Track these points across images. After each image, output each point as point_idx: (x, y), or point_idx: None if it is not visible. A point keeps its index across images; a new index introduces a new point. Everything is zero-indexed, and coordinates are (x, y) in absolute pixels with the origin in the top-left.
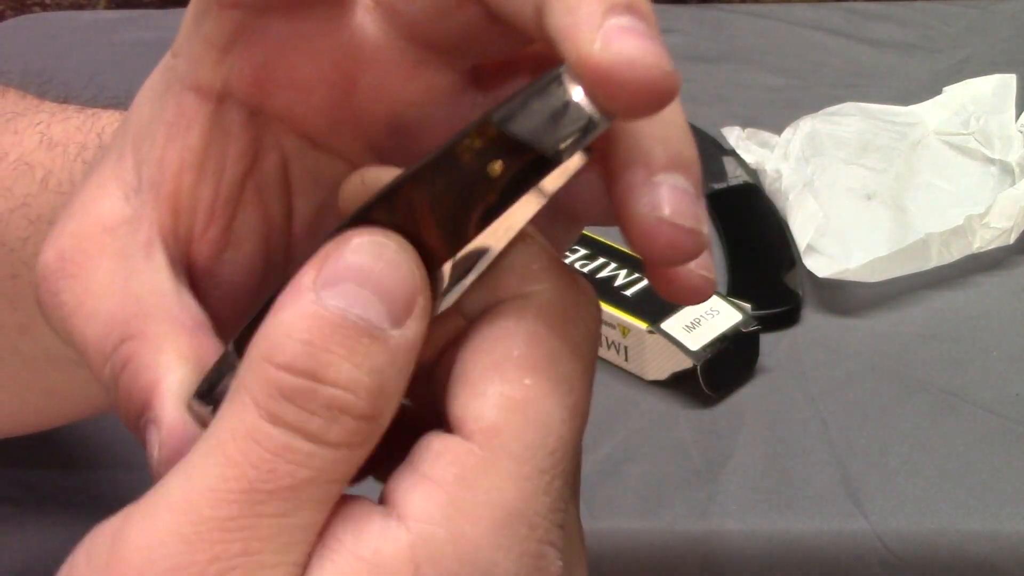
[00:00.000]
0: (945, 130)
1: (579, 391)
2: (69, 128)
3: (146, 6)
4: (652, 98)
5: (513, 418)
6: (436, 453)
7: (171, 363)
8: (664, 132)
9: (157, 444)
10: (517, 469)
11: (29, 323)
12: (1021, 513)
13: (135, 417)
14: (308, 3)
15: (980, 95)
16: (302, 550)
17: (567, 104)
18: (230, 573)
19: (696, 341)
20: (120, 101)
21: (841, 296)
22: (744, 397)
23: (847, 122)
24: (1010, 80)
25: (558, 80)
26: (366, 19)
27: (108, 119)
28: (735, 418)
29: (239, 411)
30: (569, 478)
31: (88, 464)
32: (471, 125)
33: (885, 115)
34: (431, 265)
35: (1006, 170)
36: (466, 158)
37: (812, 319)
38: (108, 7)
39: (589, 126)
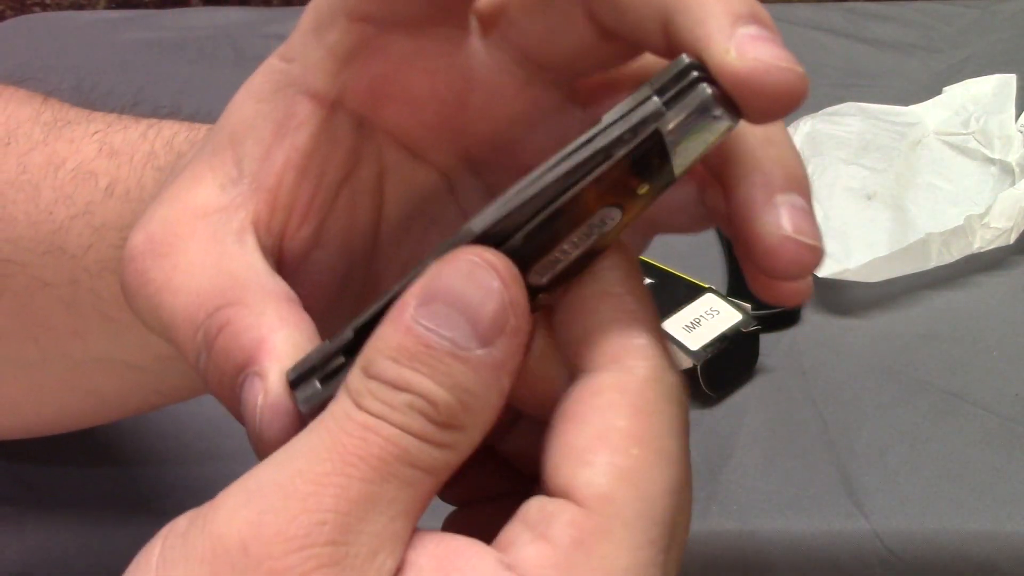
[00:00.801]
0: (945, 130)
1: (681, 466)
2: (131, 137)
3: (146, 6)
4: (788, 99)
5: (624, 486)
6: (551, 514)
7: (274, 324)
8: (779, 152)
9: (261, 393)
10: (630, 537)
11: (82, 328)
12: (1021, 513)
13: (232, 375)
14: (433, 22)
15: (980, 95)
16: (387, 526)
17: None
18: (320, 526)
19: (696, 341)
20: (127, 102)
21: (841, 296)
22: (744, 397)
23: (847, 122)
24: (1010, 80)
25: (696, 88)
26: (478, 41)
27: (171, 129)
28: (735, 418)
29: (339, 403)
30: (673, 553)
31: (89, 462)
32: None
33: (885, 115)
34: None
35: (1006, 170)
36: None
37: (812, 319)
38: (108, 7)
39: (725, 129)
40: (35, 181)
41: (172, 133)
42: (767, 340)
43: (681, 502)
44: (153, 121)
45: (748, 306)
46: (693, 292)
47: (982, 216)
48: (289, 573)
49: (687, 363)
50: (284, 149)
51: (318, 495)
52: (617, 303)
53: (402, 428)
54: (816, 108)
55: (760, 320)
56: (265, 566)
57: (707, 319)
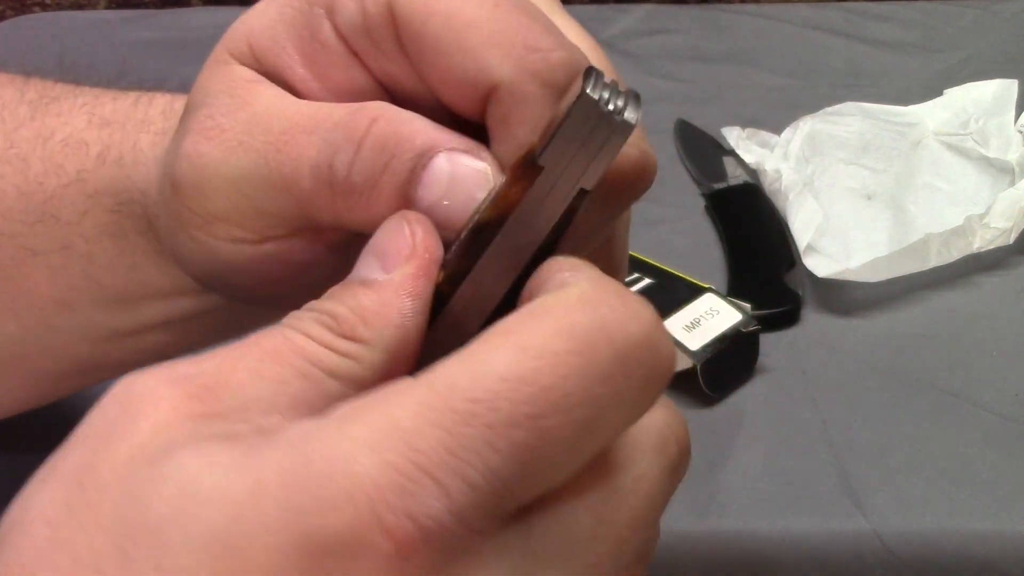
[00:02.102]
0: (944, 131)
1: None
2: (121, 107)
3: (146, 6)
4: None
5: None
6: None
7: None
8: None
9: (486, 161)
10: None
11: (68, 298)
12: (1021, 513)
13: (405, 162)
14: None
15: (981, 98)
16: (270, 398)
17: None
18: (201, 379)
19: (696, 341)
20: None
21: (841, 296)
22: (744, 397)
23: (847, 122)
24: (1011, 85)
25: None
26: None
27: (164, 99)
28: (735, 418)
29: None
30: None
31: None
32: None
33: (885, 115)
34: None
35: (1005, 170)
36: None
37: (812, 319)
38: (108, 7)
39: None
40: (23, 154)
41: (166, 102)
42: (767, 340)
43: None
44: (142, 93)
45: (748, 306)
46: (693, 292)
47: (982, 216)
48: (162, 403)
49: (687, 363)
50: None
51: (225, 369)
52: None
53: (303, 332)
54: (816, 108)
55: (760, 320)
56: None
57: (707, 319)
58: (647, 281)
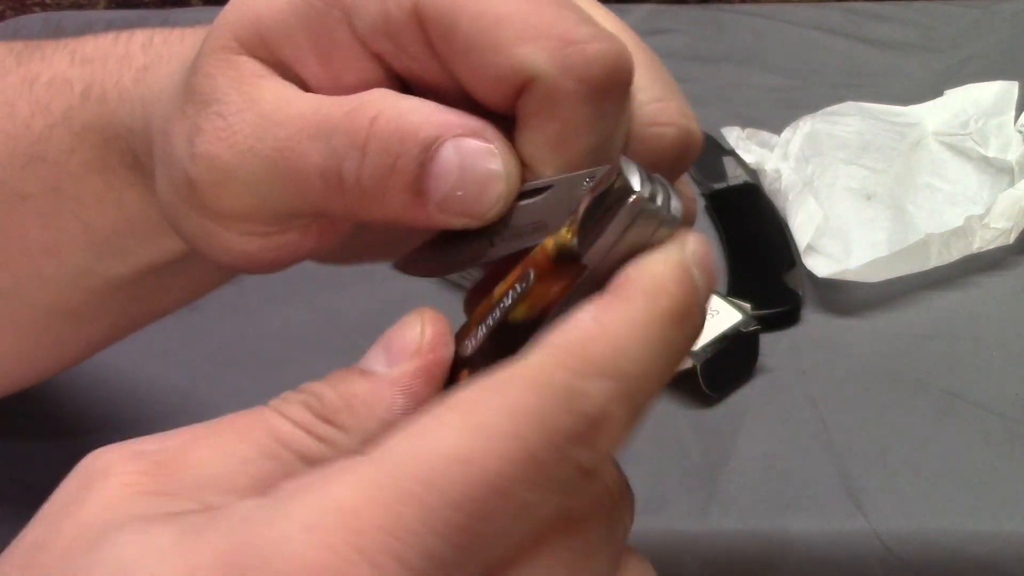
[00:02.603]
0: (944, 131)
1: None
2: (102, 44)
3: (146, 6)
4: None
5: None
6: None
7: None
8: None
9: (495, 144)
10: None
11: (58, 243)
12: (1021, 513)
13: (413, 154)
14: None
15: (981, 99)
16: (230, 477)
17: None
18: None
19: (696, 341)
20: None
21: (841, 296)
22: (744, 397)
23: (847, 122)
24: (1012, 87)
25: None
26: None
27: (144, 34)
28: (735, 418)
29: None
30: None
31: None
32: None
33: (885, 115)
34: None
35: (1005, 170)
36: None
37: (812, 319)
38: (108, 7)
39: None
40: (10, 100)
41: (146, 37)
42: (767, 340)
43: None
44: (122, 31)
45: (748, 306)
46: None
47: (982, 216)
48: (114, 480)
49: (687, 363)
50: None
51: (189, 446)
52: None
53: (282, 412)
54: (816, 108)
55: (760, 320)
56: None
57: (707, 319)
58: None
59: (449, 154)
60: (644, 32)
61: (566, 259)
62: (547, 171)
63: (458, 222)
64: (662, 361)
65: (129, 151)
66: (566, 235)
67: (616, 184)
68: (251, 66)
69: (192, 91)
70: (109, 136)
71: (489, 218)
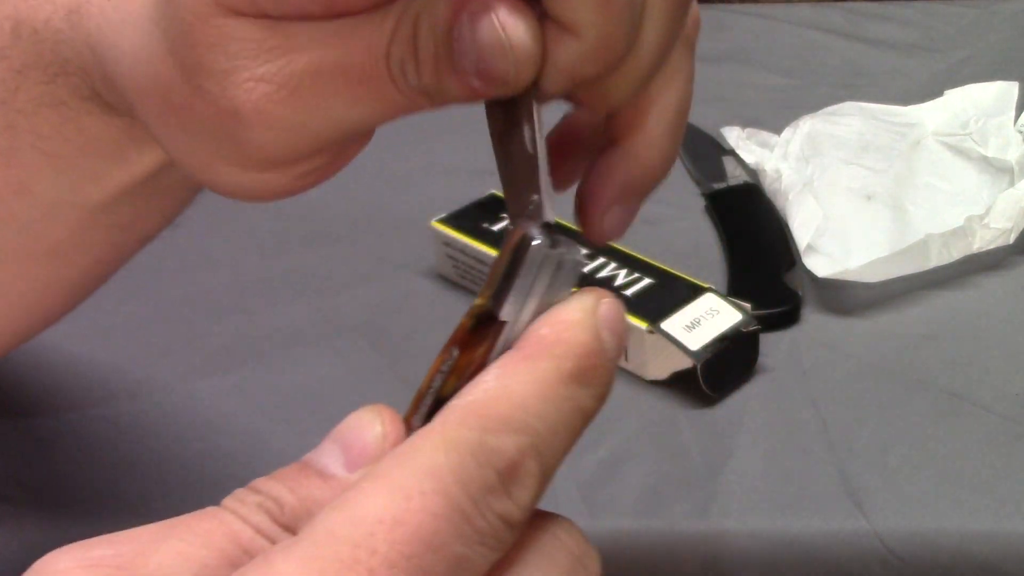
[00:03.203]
0: (944, 131)
1: None
2: None
3: None
4: None
5: None
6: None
7: None
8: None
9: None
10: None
11: (25, 179)
12: (1021, 513)
13: (445, 28)
14: None
15: (981, 99)
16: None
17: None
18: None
19: (696, 341)
20: None
21: (841, 296)
22: (744, 397)
23: (847, 122)
24: (1012, 88)
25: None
26: None
27: None
28: (735, 418)
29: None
30: None
31: (89, 462)
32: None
33: (885, 115)
34: None
35: (1005, 170)
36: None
37: (812, 319)
38: None
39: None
40: None
41: None
42: (767, 340)
43: None
44: None
45: (748, 306)
46: (693, 292)
47: (982, 216)
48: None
49: (687, 363)
50: None
51: (145, 551)
52: None
53: (242, 517)
54: (816, 108)
55: (760, 320)
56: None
57: (707, 319)
58: (647, 281)
59: (464, 28)
60: None
61: (484, 321)
62: (589, 33)
63: (493, 90)
64: (568, 418)
65: (84, 86)
66: (480, 301)
67: (519, 240)
68: (252, 32)
69: (200, 67)
70: (55, 73)
71: (514, 84)
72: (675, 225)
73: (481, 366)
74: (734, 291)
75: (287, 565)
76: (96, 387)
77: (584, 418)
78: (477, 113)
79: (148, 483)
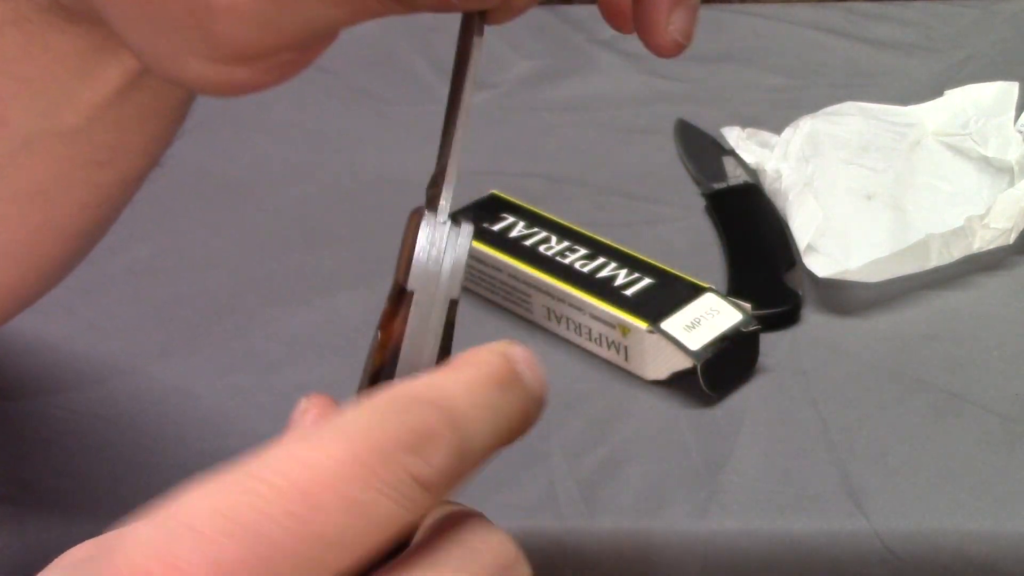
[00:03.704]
0: (944, 131)
1: None
2: None
3: None
4: None
5: None
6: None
7: None
8: None
9: None
10: None
11: (1, 110)
12: (1021, 513)
13: None
14: None
15: (981, 99)
16: None
17: None
18: None
19: (696, 341)
20: None
21: (841, 296)
22: (744, 397)
23: (847, 122)
24: (1012, 88)
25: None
26: None
27: None
28: (735, 418)
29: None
30: None
31: (89, 463)
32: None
33: (885, 115)
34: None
35: (1005, 170)
36: None
37: (812, 319)
38: None
39: None
40: None
41: None
42: (767, 340)
43: None
44: None
45: (748, 306)
46: (693, 292)
47: (982, 216)
48: None
49: (687, 363)
50: None
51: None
52: None
53: None
54: (816, 108)
55: (760, 320)
56: None
57: (707, 319)
58: (647, 281)
59: None
60: None
61: (398, 298)
62: None
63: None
64: (488, 416)
65: (46, 6)
66: (393, 285)
67: (410, 218)
68: None
69: None
70: None
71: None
72: (675, 225)
73: (400, 335)
74: (734, 291)
75: (194, 491)
76: (95, 387)
77: (502, 419)
78: (477, 114)
79: (148, 484)
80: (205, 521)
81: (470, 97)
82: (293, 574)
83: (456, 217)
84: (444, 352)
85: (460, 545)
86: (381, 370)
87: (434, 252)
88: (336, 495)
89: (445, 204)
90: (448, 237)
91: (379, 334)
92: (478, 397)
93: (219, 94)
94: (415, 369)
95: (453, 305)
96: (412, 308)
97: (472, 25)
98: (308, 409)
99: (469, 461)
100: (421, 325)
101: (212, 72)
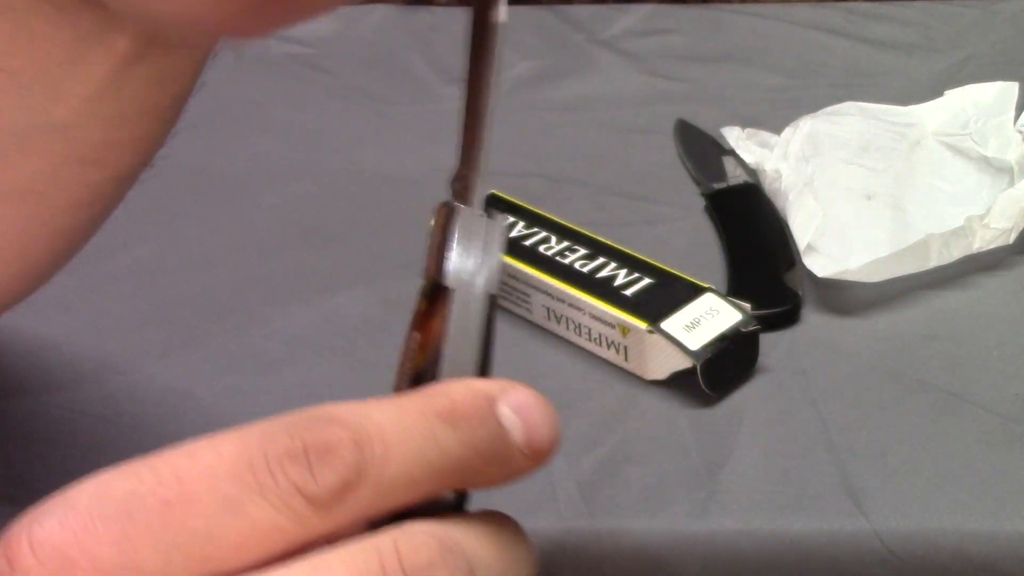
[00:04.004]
0: (944, 131)
1: None
2: None
3: None
4: None
5: None
6: None
7: None
8: None
9: None
10: None
11: None
12: (1021, 513)
13: None
14: None
15: (981, 100)
16: None
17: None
18: None
19: (696, 341)
20: None
21: (841, 296)
22: (744, 397)
23: (847, 122)
24: (1012, 88)
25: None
26: None
27: None
28: (735, 418)
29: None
30: None
31: (88, 463)
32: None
33: (885, 115)
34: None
35: (1005, 170)
36: None
37: (812, 319)
38: None
39: None
40: None
41: None
42: (767, 340)
43: None
44: None
45: (748, 306)
46: (693, 292)
47: (982, 216)
48: None
49: (687, 363)
50: None
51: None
52: None
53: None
54: (816, 108)
55: (760, 320)
56: None
57: (707, 319)
58: (647, 281)
59: None
60: (644, 32)
61: (433, 295)
62: None
63: None
64: (417, 443)
65: None
66: (425, 282)
67: (445, 209)
68: None
69: None
70: None
71: None
72: (675, 225)
73: (442, 335)
74: (734, 291)
75: (99, 474)
76: (95, 387)
77: (440, 453)
78: None
79: None
80: (84, 499)
81: (496, 86)
82: (155, 556)
83: (489, 209)
84: (485, 350)
85: (344, 547)
86: (423, 373)
87: (472, 246)
88: (209, 488)
89: (480, 196)
90: (486, 229)
91: (415, 335)
92: (410, 425)
93: (189, 35)
94: (460, 369)
95: (493, 301)
96: (452, 306)
97: (487, 14)
98: None
99: (380, 488)
100: (462, 323)
101: (176, 5)
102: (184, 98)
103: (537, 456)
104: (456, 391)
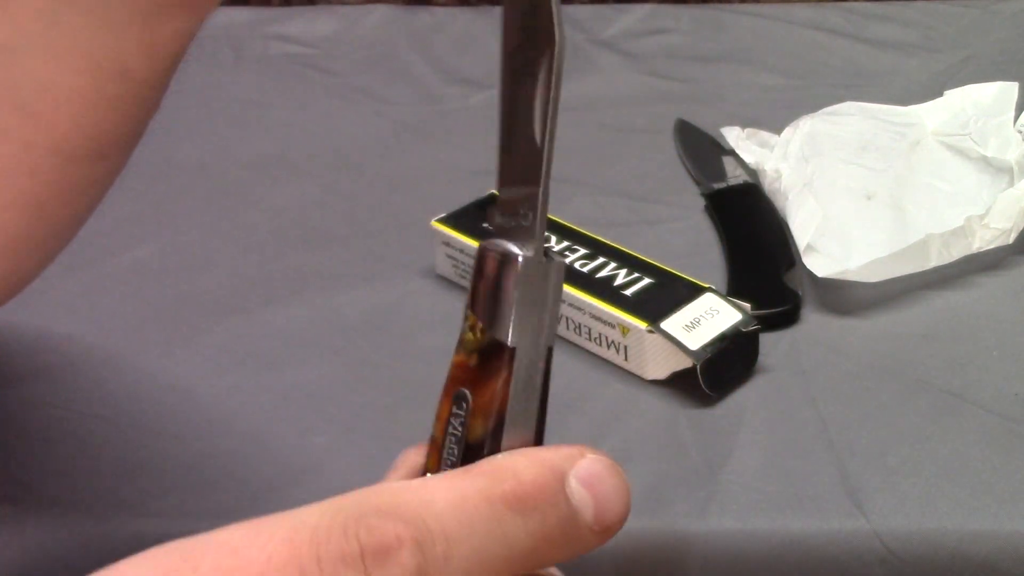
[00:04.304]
0: (944, 131)
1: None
2: None
3: None
4: None
5: None
6: None
7: None
8: None
9: None
10: None
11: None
12: (1021, 513)
13: None
14: None
15: (981, 100)
16: None
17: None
18: None
19: (696, 341)
20: None
21: (841, 296)
22: (744, 397)
23: (847, 122)
24: (1012, 88)
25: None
26: None
27: None
28: (735, 418)
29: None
30: None
31: (89, 463)
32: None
33: (885, 115)
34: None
35: (1005, 170)
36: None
37: (812, 319)
38: None
39: None
40: None
41: None
42: (767, 340)
43: None
44: None
45: (748, 306)
46: (693, 292)
47: (982, 216)
48: None
49: (687, 363)
50: None
51: None
52: None
53: None
54: (816, 108)
55: (760, 320)
56: None
57: (707, 319)
58: (647, 281)
59: None
60: (644, 32)
61: (489, 354)
62: None
63: None
64: (483, 538)
65: None
66: (473, 336)
67: (497, 260)
68: None
69: None
70: None
71: None
72: (675, 225)
73: (504, 399)
74: (734, 291)
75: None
76: (95, 387)
77: (506, 546)
78: (477, 114)
79: (147, 483)
80: None
81: (556, 115)
82: None
83: (547, 249)
84: (542, 404)
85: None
86: (482, 442)
87: (536, 300)
88: None
89: (540, 240)
90: (547, 277)
91: (469, 395)
92: (475, 516)
93: None
94: (522, 433)
95: (550, 353)
96: (517, 367)
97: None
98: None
99: None
100: (527, 386)
101: None
102: (159, 98)
103: (607, 532)
104: (523, 469)
